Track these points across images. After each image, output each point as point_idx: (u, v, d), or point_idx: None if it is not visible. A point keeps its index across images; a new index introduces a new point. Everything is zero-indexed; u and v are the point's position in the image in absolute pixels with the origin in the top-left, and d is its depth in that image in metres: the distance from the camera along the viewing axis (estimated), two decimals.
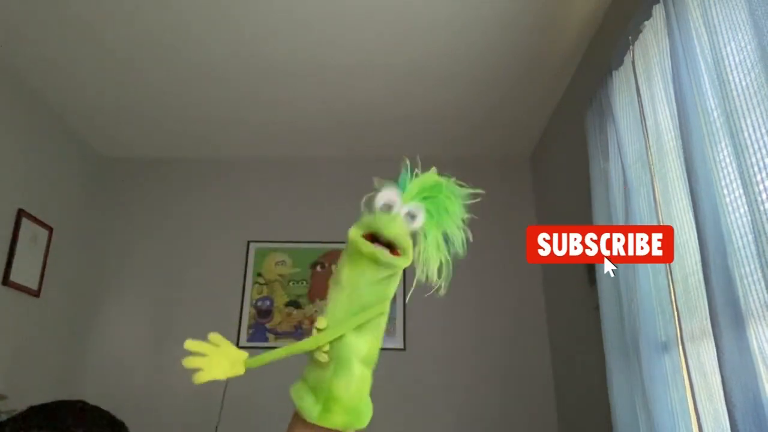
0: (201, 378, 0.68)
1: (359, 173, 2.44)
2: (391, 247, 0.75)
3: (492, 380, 2.99)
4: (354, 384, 0.75)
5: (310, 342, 0.73)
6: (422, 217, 0.76)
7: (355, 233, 0.75)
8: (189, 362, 0.68)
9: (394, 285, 0.79)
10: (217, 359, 0.70)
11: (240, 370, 0.72)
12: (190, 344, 0.69)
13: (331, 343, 0.74)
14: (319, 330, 0.74)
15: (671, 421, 1.50)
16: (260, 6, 2.22)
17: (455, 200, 0.81)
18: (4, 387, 2.38)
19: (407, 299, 3.14)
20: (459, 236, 0.80)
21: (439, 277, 0.78)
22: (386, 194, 0.76)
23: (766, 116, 1.15)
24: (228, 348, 0.72)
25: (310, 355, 0.75)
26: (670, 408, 1.51)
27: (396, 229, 0.74)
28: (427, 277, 0.77)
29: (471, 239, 0.80)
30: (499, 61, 2.55)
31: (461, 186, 0.84)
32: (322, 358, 0.74)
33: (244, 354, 0.74)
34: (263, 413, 2.85)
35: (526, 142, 3.29)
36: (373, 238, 0.75)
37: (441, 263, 0.78)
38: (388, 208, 0.75)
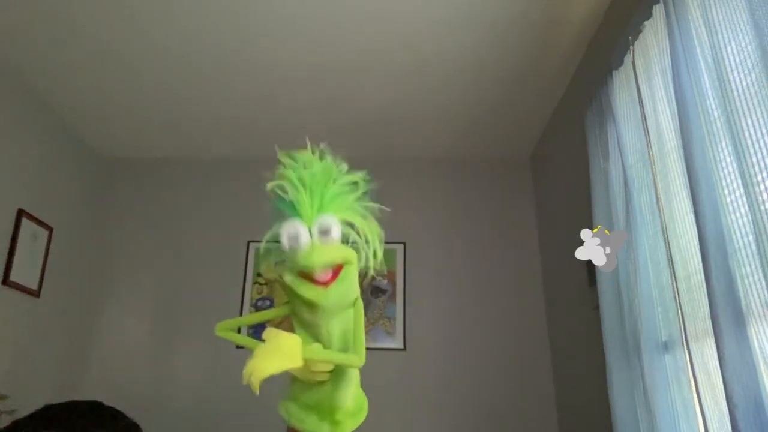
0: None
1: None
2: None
3: (492, 380, 2.99)
4: (352, 388, 0.76)
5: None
6: (337, 227, 0.72)
7: (292, 280, 0.71)
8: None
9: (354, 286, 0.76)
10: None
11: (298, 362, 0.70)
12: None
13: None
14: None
15: (672, 421, 1.50)
16: (260, 6, 2.22)
17: (345, 192, 0.76)
18: (5, 387, 2.38)
19: (407, 300, 3.14)
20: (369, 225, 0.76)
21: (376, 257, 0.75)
22: (289, 231, 0.70)
23: (767, 116, 1.15)
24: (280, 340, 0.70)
25: (300, 375, 0.74)
26: (672, 408, 1.51)
27: (318, 259, 0.70)
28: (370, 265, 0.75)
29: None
30: (499, 61, 2.55)
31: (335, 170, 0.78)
32: (323, 377, 0.74)
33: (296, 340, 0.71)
34: (265, 410, 2.85)
35: (526, 142, 3.29)
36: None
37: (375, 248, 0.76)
38: (297, 241, 0.70)
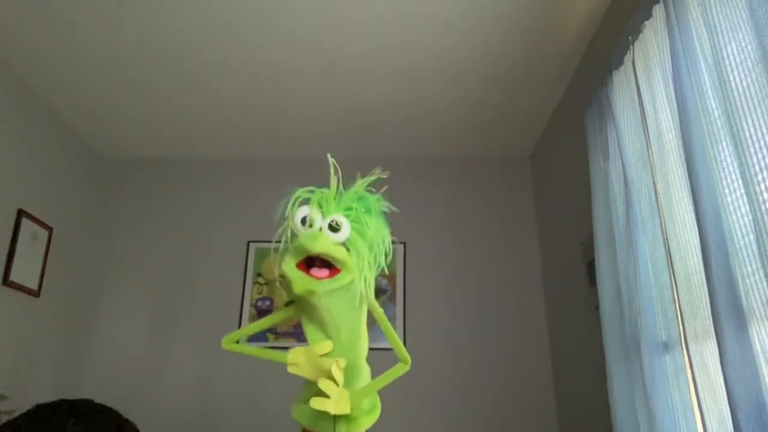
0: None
1: (359, 174, 2.43)
2: (328, 263, 0.74)
3: (492, 380, 2.99)
4: (365, 387, 0.78)
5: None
6: (347, 228, 0.75)
7: (291, 269, 0.74)
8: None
9: (355, 293, 0.78)
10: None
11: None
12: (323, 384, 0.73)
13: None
14: (326, 355, 0.75)
15: (672, 421, 1.50)
16: (260, 7, 2.22)
17: (376, 216, 0.80)
18: (4, 387, 2.38)
19: (406, 299, 3.14)
20: (383, 251, 0.79)
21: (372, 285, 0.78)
22: (303, 212, 0.74)
23: (767, 116, 1.15)
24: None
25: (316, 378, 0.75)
26: (672, 408, 1.51)
27: (321, 245, 0.72)
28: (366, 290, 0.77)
29: (391, 254, 0.81)
30: (499, 61, 2.55)
31: (378, 199, 0.82)
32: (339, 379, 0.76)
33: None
34: (263, 411, 2.85)
35: (526, 142, 3.29)
36: (310, 260, 0.74)
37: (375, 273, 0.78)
38: (307, 223, 0.73)
